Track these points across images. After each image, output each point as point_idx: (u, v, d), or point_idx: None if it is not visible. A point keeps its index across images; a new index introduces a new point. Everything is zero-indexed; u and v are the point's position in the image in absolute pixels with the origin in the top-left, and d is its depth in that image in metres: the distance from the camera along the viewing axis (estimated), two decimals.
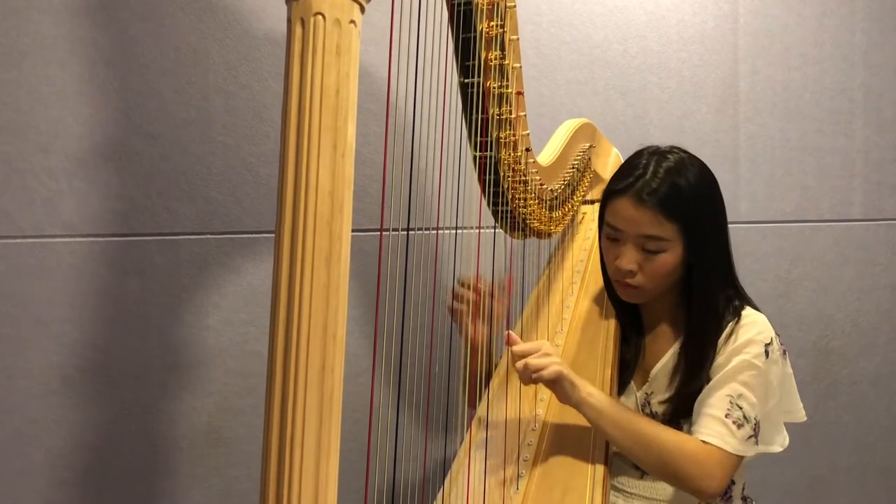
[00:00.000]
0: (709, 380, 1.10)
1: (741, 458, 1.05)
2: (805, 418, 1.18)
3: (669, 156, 1.13)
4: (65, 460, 1.37)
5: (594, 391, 1.05)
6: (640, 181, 1.10)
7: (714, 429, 1.04)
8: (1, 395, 1.33)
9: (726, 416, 1.05)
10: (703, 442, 1.04)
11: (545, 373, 1.02)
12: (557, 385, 1.04)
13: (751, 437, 1.05)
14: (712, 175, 1.16)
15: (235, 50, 1.44)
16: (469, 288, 1.25)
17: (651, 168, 1.11)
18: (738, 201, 1.88)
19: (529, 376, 1.03)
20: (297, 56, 0.59)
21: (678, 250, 1.12)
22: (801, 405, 1.19)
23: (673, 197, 1.09)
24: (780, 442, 1.15)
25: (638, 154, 1.17)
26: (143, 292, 1.41)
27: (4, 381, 1.33)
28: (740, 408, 1.05)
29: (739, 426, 1.04)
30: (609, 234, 1.17)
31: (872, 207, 2.00)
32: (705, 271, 1.14)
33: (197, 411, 1.46)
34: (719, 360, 1.11)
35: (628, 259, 1.13)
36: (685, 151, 1.16)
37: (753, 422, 1.06)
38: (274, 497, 0.59)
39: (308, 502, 0.59)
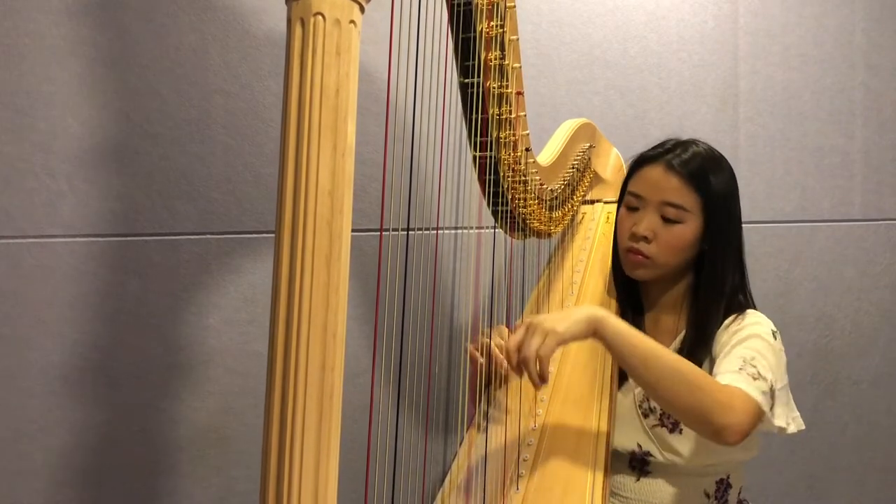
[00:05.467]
0: (712, 363, 1.08)
1: (761, 412, 0.99)
2: (803, 427, 1.10)
3: (699, 143, 1.20)
4: (65, 460, 1.37)
5: (612, 319, 0.99)
6: (672, 153, 1.17)
7: (731, 377, 1.00)
8: (1, 395, 1.33)
9: (740, 369, 1.01)
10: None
11: (545, 348, 0.94)
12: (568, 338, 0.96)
13: (766, 393, 1.00)
14: (733, 170, 1.20)
15: (235, 50, 1.44)
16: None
17: (681, 146, 1.18)
18: None
19: (534, 358, 0.94)
20: (296, 56, 0.59)
21: (695, 225, 1.14)
22: (798, 413, 1.12)
23: (701, 173, 1.14)
24: (793, 418, 1.07)
25: (666, 140, 1.22)
26: (143, 292, 1.41)
27: (4, 381, 1.33)
28: (754, 366, 1.01)
29: (755, 378, 1.00)
30: (630, 203, 1.19)
31: (872, 207, 1.99)
32: (718, 255, 1.16)
33: (197, 411, 1.46)
34: (722, 339, 1.10)
35: (646, 225, 1.15)
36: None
37: (769, 381, 1.01)
38: (274, 496, 0.59)
39: (308, 501, 0.59)
